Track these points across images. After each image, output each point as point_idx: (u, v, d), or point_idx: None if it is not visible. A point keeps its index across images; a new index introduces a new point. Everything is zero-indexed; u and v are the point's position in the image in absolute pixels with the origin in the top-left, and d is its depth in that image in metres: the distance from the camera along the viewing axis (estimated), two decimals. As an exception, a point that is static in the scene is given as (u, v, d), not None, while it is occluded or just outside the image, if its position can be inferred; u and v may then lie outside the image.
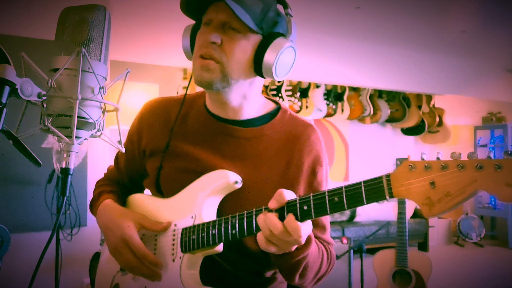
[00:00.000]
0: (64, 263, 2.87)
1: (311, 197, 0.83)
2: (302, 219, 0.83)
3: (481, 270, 4.91)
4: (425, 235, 5.61)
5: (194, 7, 0.99)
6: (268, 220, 0.83)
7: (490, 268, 5.03)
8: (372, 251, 3.51)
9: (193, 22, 1.07)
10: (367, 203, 0.77)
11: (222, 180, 0.98)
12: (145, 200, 1.12)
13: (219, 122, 1.06)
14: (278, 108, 1.11)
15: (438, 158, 0.71)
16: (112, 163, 1.26)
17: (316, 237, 1.05)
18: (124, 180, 1.21)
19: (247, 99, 1.05)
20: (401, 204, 2.93)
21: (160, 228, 1.02)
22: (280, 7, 1.02)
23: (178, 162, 1.06)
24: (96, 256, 3.03)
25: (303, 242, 0.85)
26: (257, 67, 0.98)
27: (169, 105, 1.12)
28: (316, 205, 0.82)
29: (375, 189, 0.76)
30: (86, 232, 3.12)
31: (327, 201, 0.81)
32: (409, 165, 0.72)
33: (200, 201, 1.00)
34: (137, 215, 1.04)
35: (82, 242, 3.11)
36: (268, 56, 0.96)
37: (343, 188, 0.80)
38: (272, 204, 0.85)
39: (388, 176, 0.75)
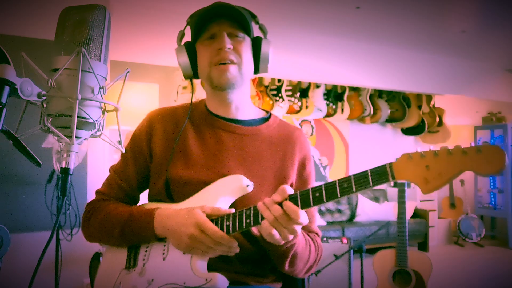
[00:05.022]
0: (64, 263, 2.87)
1: (316, 188, 0.96)
2: (314, 203, 0.95)
3: (481, 270, 4.91)
4: (425, 235, 5.60)
5: (200, 26, 1.16)
6: (268, 203, 0.96)
7: (490, 268, 5.03)
8: (372, 251, 3.52)
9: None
10: (373, 185, 0.91)
11: (236, 184, 1.08)
12: (160, 207, 1.14)
13: (222, 120, 1.19)
14: (270, 114, 1.28)
15: (430, 149, 0.90)
16: (110, 166, 1.25)
17: (303, 227, 1.11)
18: (127, 191, 1.21)
19: (245, 97, 1.22)
20: (401, 204, 2.93)
21: (221, 213, 1.05)
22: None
23: (186, 159, 1.15)
24: (96, 256, 3.03)
25: (299, 228, 0.98)
26: (256, 64, 1.19)
27: (175, 112, 1.24)
28: (327, 190, 0.95)
29: (379, 174, 0.91)
30: (86, 232, 3.11)
31: (337, 187, 0.94)
32: (408, 155, 0.91)
33: (212, 201, 1.07)
34: (194, 206, 1.07)
35: (82, 242, 3.07)
36: (264, 55, 1.19)
37: (352, 176, 0.93)
38: (276, 197, 0.96)
39: (390, 163, 0.91)
